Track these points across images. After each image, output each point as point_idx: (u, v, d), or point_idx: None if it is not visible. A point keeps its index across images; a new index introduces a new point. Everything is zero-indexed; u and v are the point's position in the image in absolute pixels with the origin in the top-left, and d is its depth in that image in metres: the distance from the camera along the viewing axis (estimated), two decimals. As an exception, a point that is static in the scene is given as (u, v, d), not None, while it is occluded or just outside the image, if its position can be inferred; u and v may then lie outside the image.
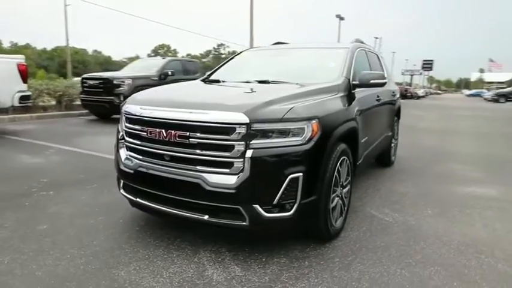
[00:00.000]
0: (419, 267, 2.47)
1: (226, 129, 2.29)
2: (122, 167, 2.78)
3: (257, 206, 2.28)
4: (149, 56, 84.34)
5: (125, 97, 9.78)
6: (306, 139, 2.32)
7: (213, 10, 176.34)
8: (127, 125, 2.76)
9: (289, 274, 2.35)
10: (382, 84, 3.38)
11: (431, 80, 72.40)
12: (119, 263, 2.47)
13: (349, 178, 3.02)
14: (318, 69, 3.61)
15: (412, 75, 64.52)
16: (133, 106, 2.75)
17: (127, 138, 2.78)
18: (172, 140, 2.41)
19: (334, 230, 2.78)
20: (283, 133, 2.30)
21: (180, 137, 2.38)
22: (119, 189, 2.95)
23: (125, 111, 2.79)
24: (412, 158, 6.14)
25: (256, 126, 2.26)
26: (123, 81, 9.76)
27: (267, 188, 2.28)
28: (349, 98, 3.12)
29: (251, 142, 2.25)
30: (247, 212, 2.29)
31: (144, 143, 2.61)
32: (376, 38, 48.17)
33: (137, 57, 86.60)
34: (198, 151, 2.36)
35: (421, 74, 63.62)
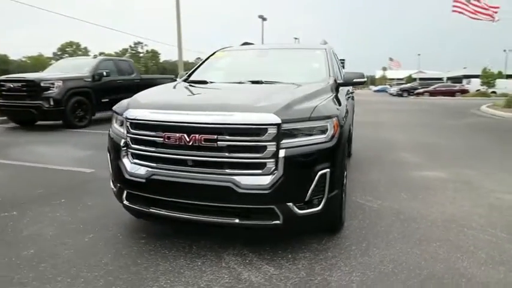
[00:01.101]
0: (424, 244, 2.78)
1: (257, 130, 2.29)
2: (128, 177, 2.57)
3: (290, 204, 2.34)
4: (56, 55, 76.30)
5: (56, 101, 8.88)
6: (330, 136, 2.44)
7: (128, 6, 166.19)
8: (133, 131, 2.57)
9: (321, 266, 2.46)
10: (363, 83, 3.68)
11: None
12: (145, 279, 2.31)
13: (345, 171, 3.24)
14: (303, 69, 3.77)
15: (327, 73, 68.21)
16: (140, 110, 2.57)
17: (133, 146, 2.58)
18: (197, 144, 2.33)
19: (343, 220, 2.96)
20: (310, 131, 2.39)
21: (206, 140, 2.31)
22: (121, 201, 2.73)
23: (128, 116, 2.59)
24: (362, 148, 6.71)
25: (286, 126, 2.31)
26: (52, 84, 8.76)
27: (300, 186, 2.35)
28: (340, 96, 3.33)
29: (282, 142, 2.30)
30: (281, 211, 2.33)
31: (159, 149, 2.46)
32: (296, 38, 50.72)
33: (41, 57, 77.48)
34: (227, 154, 2.32)
35: (335, 72, 67.96)
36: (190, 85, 3.42)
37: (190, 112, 2.40)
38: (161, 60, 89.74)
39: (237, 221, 2.37)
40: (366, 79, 3.73)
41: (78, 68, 10.01)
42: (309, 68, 3.73)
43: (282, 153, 2.29)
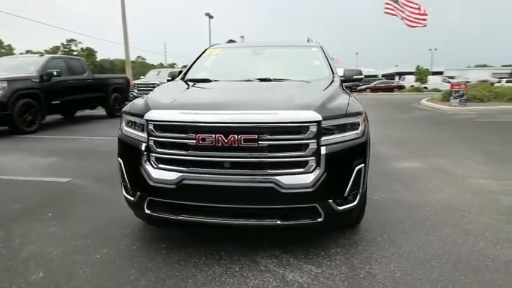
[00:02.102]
0: (437, 231, 2.95)
1: (299, 128, 2.26)
2: (153, 184, 2.38)
3: (331, 201, 2.34)
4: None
5: (0, 105, 7.90)
6: (361, 132, 2.48)
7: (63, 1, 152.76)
8: (158, 134, 2.38)
9: (358, 260, 2.50)
10: (361, 79, 3.80)
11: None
12: (188, 291, 2.16)
13: None
14: (305, 66, 3.78)
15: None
16: (167, 112, 2.39)
17: (159, 150, 2.40)
18: (236, 144, 2.23)
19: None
20: (345, 128, 2.41)
21: (246, 140, 2.22)
22: (143, 210, 2.52)
23: (152, 118, 2.39)
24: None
25: (326, 122, 2.30)
26: (-5, 85, 7.81)
27: (340, 182, 2.36)
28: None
29: (322, 139, 2.29)
30: (323, 209, 2.32)
31: (191, 152, 2.31)
32: (242, 36, 50.82)
33: None
34: (268, 154, 2.25)
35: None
36: (196, 84, 3.25)
37: (227, 112, 2.29)
38: (98, 59, 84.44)
39: (278, 222, 2.31)
40: (363, 76, 3.86)
41: (23, 67, 9.03)
42: (310, 66, 3.75)
43: (323, 150, 2.28)
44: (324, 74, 3.52)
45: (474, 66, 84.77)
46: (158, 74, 18.20)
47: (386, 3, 20.50)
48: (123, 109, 2.77)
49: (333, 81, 3.30)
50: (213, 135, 2.24)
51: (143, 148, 2.44)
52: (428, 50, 66.54)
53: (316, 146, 2.27)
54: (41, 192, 4.05)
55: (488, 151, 6.10)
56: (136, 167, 2.48)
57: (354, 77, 3.66)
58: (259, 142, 2.23)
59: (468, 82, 20.48)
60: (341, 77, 3.60)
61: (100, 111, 12.12)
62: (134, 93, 15.66)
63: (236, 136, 2.22)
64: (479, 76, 47.64)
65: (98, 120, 11.04)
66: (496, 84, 27.94)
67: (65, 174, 4.73)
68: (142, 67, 65.73)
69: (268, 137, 2.23)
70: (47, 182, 4.45)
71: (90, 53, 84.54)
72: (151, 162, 2.43)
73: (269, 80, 3.29)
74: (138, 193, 2.51)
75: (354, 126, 2.45)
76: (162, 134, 2.38)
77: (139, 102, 2.70)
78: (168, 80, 4.10)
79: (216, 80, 3.36)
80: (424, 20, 19.49)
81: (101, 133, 8.41)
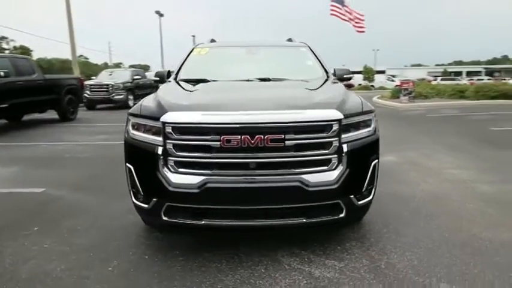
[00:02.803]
0: (434, 219, 3.16)
1: (323, 126, 2.29)
2: (173, 189, 2.28)
3: (352, 197, 2.41)
4: None
5: None
6: (373, 129, 2.58)
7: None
8: (178, 137, 2.28)
9: (375, 251, 2.60)
10: (350, 79, 3.94)
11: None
12: (222, 297, 2.10)
13: None
14: (298, 66, 3.83)
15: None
16: (187, 113, 2.30)
17: (178, 153, 2.30)
18: (263, 145, 2.21)
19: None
20: (361, 125, 2.50)
21: (273, 140, 2.21)
22: (159, 217, 2.40)
23: (171, 120, 2.28)
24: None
25: (345, 120, 2.36)
26: None
27: (360, 178, 2.44)
28: None
29: (342, 136, 2.35)
30: (345, 204, 2.39)
31: (215, 154, 2.25)
32: (193, 36, 50.02)
33: None
34: (294, 153, 2.26)
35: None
36: (198, 85, 3.14)
37: (252, 112, 2.25)
38: (35, 58, 78.09)
39: (304, 220, 2.34)
40: (352, 75, 4.00)
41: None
42: (303, 65, 3.81)
43: (344, 147, 2.34)
44: (318, 73, 3.60)
45: (410, 65, 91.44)
46: (111, 75, 17.33)
47: (332, 5, 21.24)
48: (130, 111, 2.61)
49: (327, 80, 3.40)
50: (239, 137, 2.20)
51: (160, 152, 2.32)
52: (372, 51, 70.58)
53: (338, 144, 2.33)
54: (16, 204, 3.68)
55: (449, 143, 6.63)
56: (151, 172, 2.36)
57: (344, 76, 3.79)
58: (286, 142, 2.23)
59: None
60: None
61: (50, 114, 11.24)
62: (87, 95, 14.81)
63: (263, 136, 2.20)
64: (416, 75, 51.47)
65: (51, 125, 10.22)
66: (433, 82, 30.42)
67: (37, 184, 4.34)
68: (85, 67, 61.73)
69: (294, 136, 2.24)
70: (19, 193, 4.05)
71: (24, 51, 77.89)
72: (169, 166, 2.32)
73: (269, 79, 3.29)
74: (154, 199, 2.38)
75: (367, 123, 2.54)
76: (182, 137, 2.28)
77: (149, 103, 2.56)
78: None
79: (214, 80, 3.29)
80: (363, 26, 20.48)
81: (59, 138, 7.82)
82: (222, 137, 2.21)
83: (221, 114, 2.26)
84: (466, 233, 2.87)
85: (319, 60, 3.82)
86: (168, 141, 2.31)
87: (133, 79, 16.71)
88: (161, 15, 35.01)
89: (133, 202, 2.56)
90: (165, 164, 2.33)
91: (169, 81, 3.36)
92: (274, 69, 3.62)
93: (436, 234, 2.87)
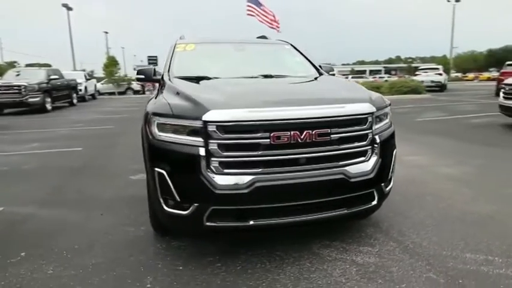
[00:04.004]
0: (429, 200, 3.52)
1: (361, 119, 2.40)
2: (220, 191, 2.17)
3: (382, 184, 2.57)
4: None
5: None
6: (390, 120, 2.78)
7: None
8: (224, 136, 2.16)
9: (396, 233, 2.81)
10: (333, 76, 4.13)
11: (157, 74, 77.89)
12: (288, 296, 2.07)
13: None
14: (290, 63, 3.86)
15: (143, 70, 66.61)
16: (233, 111, 2.18)
17: (225, 153, 2.18)
18: (311, 140, 2.22)
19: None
20: (384, 117, 2.67)
21: (321, 135, 2.24)
22: (200, 223, 2.25)
23: (215, 119, 2.15)
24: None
25: (376, 113, 2.51)
26: None
27: (387, 166, 2.60)
28: None
29: (374, 128, 2.49)
30: (377, 192, 2.53)
31: (264, 152, 2.19)
32: (106, 32, 46.53)
33: None
34: (338, 146, 2.32)
35: (151, 69, 66.50)
36: (208, 81, 2.99)
37: (299, 107, 2.24)
38: None
39: (346, 211, 2.41)
40: (335, 72, 4.20)
41: None
42: (294, 62, 3.85)
43: (377, 138, 2.48)
44: (311, 69, 3.72)
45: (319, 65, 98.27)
46: (19, 75, 15.23)
47: (248, 6, 21.71)
48: (154, 111, 2.37)
49: (324, 76, 3.54)
50: (289, 133, 2.18)
51: (202, 153, 2.18)
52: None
53: (371, 136, 2.46)
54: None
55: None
56: (192, 176, 2.20)
57: (330, 72, 3.97)
58: (332, 136, 2.28)
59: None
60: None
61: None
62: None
63: (311, 131, 2.22)
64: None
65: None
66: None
67: (-11, 203, 3.66)
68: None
69: (338, 129, 2.31)
70: (-28, 216, 3.37)
71: None
72: (213, 168, 2.19)
73: (271, 76, 3.29)
74: (196, 205, 2.22)
75: (387, 116, 2.73)
76: (228, 136, 2.17)
77: (179, 102, 2.36)
78: (139, 79, 3.63)
79: (216, 78, 3.16)
80: (278, 26, 21.39)
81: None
82: (272, 133, 2.17)
83: (269, 110, 2.21)
84: (456, 210, 3.26)
85: (305, 57, 3.94)
86: (211, 141, 2.17)
87: (50, 79, 14.93)
88: (69, 9, 31.86)
89: (164, 211, 2.34)
90: (208, 166, 2.19)
91: (169, 79, 3.13)
92: (268, 66, 3.62)
93: (433, 213, 3.20)
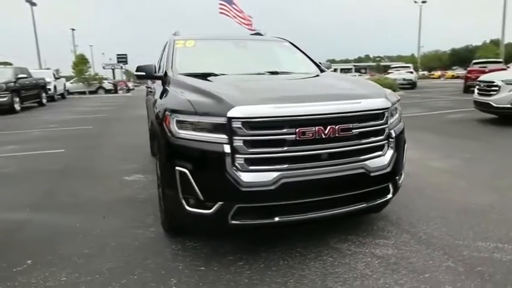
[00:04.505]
0: (429, 192, 3.64)
1: (378, 114, 2.44)
2: (246, 189, 2.14)
3: (397, 177, 2.63)
4: None
5: None
6: (400, 115, 2.85)
7: None
8: (250, 132, 2.13)
9: (407, 225, 2.88)
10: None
11: (127, 73, 76.06)
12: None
13: None
14: (290, 60, 3.86)
15: (113, 69, 65.25)
16: (258, 107, 2.16)
17: (250, 150, 2.15)
18: (334, 135, 2.24)
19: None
20: (395, 112, 2.72)
21: (343, 130, 2.26)
22: (225, 222, 2.21)
23: (241, 115, 2.12)
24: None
25: (391, 108, 2.56)
26: None
27: (401, 159, 2.66)
28: None
29: (389, 123, 2.54)
30: (392, 185, 2.59)
31: (290, 148, 2.18)
32: (73, 29, 44.69)
33: None
34: (358, 141, 2.35)
35: (121, 68, 65.22)
36: (220, 78, 2.93)
37: (322, 103, 2.25)
38: None
39: (365, 204, 2.45)
40: (333, 69, 4.25)
41: None
42: (295, 59, 3.85)
43: (392, 133, 2.54)
44: (312, 66, 3.74)
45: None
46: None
47: (221, 4, 21.59)
48: (173, 108, 2.29)
49: (327, 73, 3.57)
50: (314, 128, 2.19)
51: (227, 150, 2.13)
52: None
53: (387, 130, 2.51)
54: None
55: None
56: (216, 174, 2.16)
57: (329, 70, 4.01)
58: (353, 130, 2.31)
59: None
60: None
61: None
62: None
63: (335, 126, 2.23)
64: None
65: None
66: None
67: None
68: None
69: (359, 124, 2.33)
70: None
71: None
72: (238, 165, 2.16)
73: (277, 73, 3.28)
74: (220, 203, 2.18)
75: (398, 110, 2.79)
76: (253, 132, 2.14)
77: (202, 99, 2.29)
78: (139, 76, 3.51)
79: (223, 74, 3.11)
80: (250, 23, 21.34)
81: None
82: (298, 129, 2.16)
83: (295, 106, 2.20)
84: (457, 201, 3.39)
85: (305, 54, 3.96)
86: (237, 137, 2.14)
87: (18, 78, 14.15)
88: (33, 4, 30.34)
89: (185, 211, 2.28)
90: (233, 163, 2.15)
91: (174, 76, 3.04)
92: (271, 63, 3.62)
93: (436, 205, 3.31)
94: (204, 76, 2.98)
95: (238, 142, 2.14)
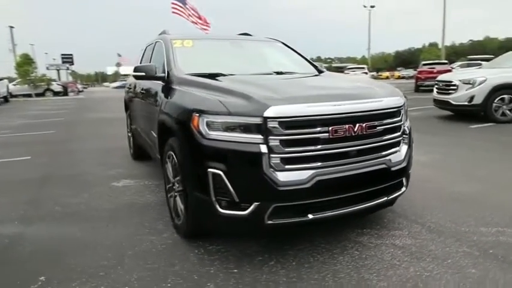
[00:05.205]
0: (421, 184, 3.86)
1: (396, 112, 2.57)
2: (282, 188, 2.15)
3: (410, 172, 2.78)
4: None
5: None
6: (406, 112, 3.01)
7: None
8: (286, 131, 2.15)
9: (414, 216, 3.05)
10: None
11: (74, 74, 71.75)
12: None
13: None
14: (288, 60, 3.88)
15: (58, 70, 61.34)
16: (293, 106, 2.18)
17: (286, 149, 2.16)
18: (362, 132, 2.32)
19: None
20: (406, 110, 2.88)
21: (370, 127, 2.36)
22: (261, 222, 2.21)
23: (276, 115, 2.12)
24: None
25: (404, 106, 2.71)
26: None
27: (411, 154, 2.82)
28: None
29: (403, 120, 2.69)
30: (406, 179, 2.74)
31: (323, 146, 2.22)
32: (12, 27, 41.10)
33: None
34: (382, 137, 2.46)
35: (67, 68, 61.45)
36: (232, 78, 2.89)
37: (351, 102, 2.32)
38: None
39: (386, 198, 2.56)
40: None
41: None
42: (292, 59, 3.90)
43: (406, 129, 2.68)
44: (310, 67, 3.83)
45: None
46: None
47: (173, 3, 21.19)
48: (202, 108, 2.23)
49: (322, 72, 3.68)
50: (345, 126, 2.25)
51: (264, 150, 2.13)
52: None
53: (403, 127, 2.65)
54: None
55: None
56: (253, 174, 2.15)
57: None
58: (377, 128, 2.41)
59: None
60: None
61: None
62: None
63: (363, 124, 2.32)
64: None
65: None
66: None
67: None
68: None
69: (381, 121, 2.44)
70: None
71: None
72: (273, 164, 2.16)
73: (282, 73, 3.32)
74: (256, 204, 2.17)
75: (406, 108, 2.95)
76: (289, 131, 2.16)
77: (233, 100, 2.24)
78: (137, 77, 3.37)
79: (231, 74, 3.08)
80: (208, 27, 21.06)
81: None
82: (331, 127, 2.21)
83: (327, 105, 2.24)
84: (448, 191, 3.65)
85: (300, 55, 4.03)
86: (272, 137, 2.14)
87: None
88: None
89: (218, 213, 2.23)
90: (269, 163, 2.15)
91: (180, 76, 2.96)
92: (272, 63, 3.66)
93: (432, 196, 3.55)
94: (211, 76, 2.93)
95: (274, 142, 2.15)
